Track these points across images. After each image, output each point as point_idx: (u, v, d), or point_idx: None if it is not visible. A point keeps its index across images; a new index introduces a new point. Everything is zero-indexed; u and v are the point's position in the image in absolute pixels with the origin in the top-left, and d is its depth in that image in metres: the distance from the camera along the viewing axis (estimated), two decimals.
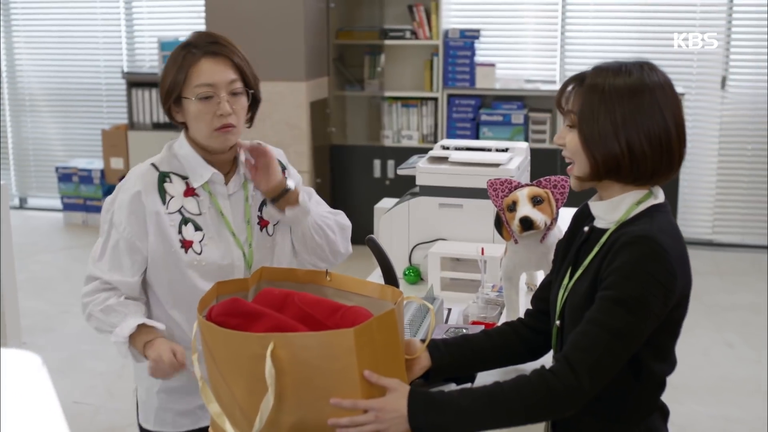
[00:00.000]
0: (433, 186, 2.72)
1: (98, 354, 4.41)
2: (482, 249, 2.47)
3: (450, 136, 6.28)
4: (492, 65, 6.28)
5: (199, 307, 1.59)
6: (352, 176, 6.34)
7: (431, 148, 6.13)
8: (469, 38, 6.26)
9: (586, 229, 1.74)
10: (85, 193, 7.00)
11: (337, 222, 2.13)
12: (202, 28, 6.57)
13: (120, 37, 7.22)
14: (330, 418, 1.50)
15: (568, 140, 1.68)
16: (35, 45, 7.42)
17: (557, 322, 1.75)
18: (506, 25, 6.55)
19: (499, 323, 2.19)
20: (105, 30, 7.25)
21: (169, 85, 1.96)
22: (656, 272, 1.55)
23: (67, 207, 7.08)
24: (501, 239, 2.66)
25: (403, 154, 6.28)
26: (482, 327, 2.09)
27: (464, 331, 2.07)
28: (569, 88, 1.69)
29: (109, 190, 7.00)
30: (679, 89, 5.98)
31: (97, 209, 6.97)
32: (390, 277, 1.97)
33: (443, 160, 2.79)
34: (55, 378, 4.01)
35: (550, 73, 6.47)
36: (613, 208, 1.67)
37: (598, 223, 1.71)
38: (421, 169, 2.73)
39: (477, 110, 6.33)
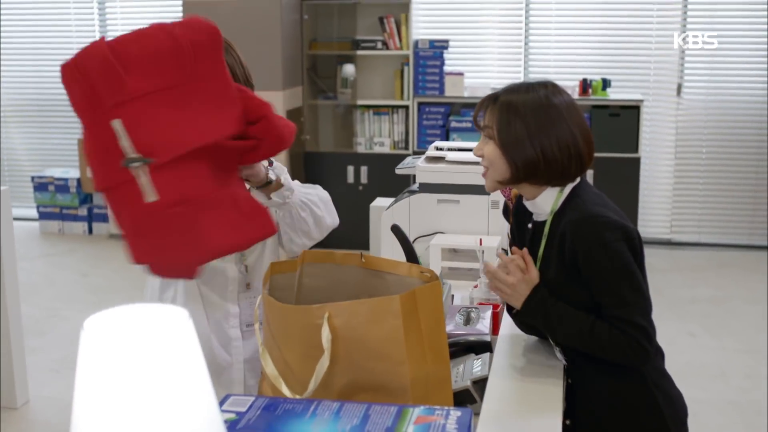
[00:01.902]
0: (432, 183, 2.94)
1: None
2: (480, 240, 2.71)
3: (420, 142, 6.53)
4: (460, 74, 6.54)
5: (263, 282, 1.80)
6: (327, 182, 6.51)
7: (403, 154, 6.35)
8: (438, 48, 6.51)
9: (530, 225, 2.05)
10: (61, 202, 7.09)
11: (319, 196, 2.24)
12: None
13: None
14: (378, 378, 1.70)
15: (485, 150, 1.97)
16: (9, 55, 7.49)
17: None
18: (473, 35, 6.82)
19: (503, 304, 2.44)
20: (79, 40, 7.36)
21: None
22: (614, 235, 1.87)
23: (43, 216, 7.16)
24: (495, 231, 2.91)
25: (376, 161, 6.55)
26: (490, 307, 2.32)
27: (474, 310, 2.29)
28: (485, 107, 1.99)
29: (85, 198, 7.11)
30: (637, 96, 6.30)
31: (74, 218, 7.07)
32: (412, 259, 2.19)
33: (440, 159, 3.02)
34: (53, 378, 4.28)
35: (515, 81, 6.74)
36: (543, 203, 1.99)
37: (537, 218, 2.03)
38: (421, 168, 2.96)
39: (446, 117, 6.58)
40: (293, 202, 2.15)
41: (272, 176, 2.06)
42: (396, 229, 2.10)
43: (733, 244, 6.64)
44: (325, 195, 2.27)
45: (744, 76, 6.50)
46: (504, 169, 1.95)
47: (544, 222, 2.00)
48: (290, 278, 1.96)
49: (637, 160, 6.26)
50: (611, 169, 6.03)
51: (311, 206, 2.20)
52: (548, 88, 1.96)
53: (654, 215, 6.74)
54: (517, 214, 2.14)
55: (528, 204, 2.04)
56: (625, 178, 6.15)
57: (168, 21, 1.85)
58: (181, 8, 6.16)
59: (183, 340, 1.09)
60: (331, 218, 2.26)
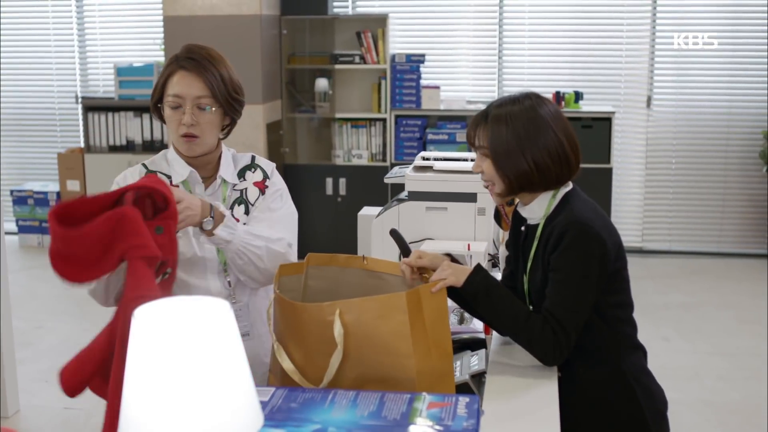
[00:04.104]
0: (421, 191, 3.06)
1: None
2: (468, 245, 2.83)
3: (398, 154, 6.66)
4: (437, 87, 6.68)
5: (275, 285, 1.90)
6: (306, 194, 6.62)
7: (381, 166, 6.44)
8: (414, 62, 6.64)
9: (522, 228, 2.17)
10: (41, 216, 7.12)
11: (267, 248, 2.13)
12: (159, 53, 6.83)
13: (74, 62, 7.40)
14: (386, 372, 1.81)
15: (484, 167, 2.09)
16: None
17: (530, 307, 2.14)
18: (449, 50, 6.98)
19: None
20: (59, 55, 7.42)
21: (156, 88, 2.20)
22: (589, 247, 1.99)
23: (23, 229, 7.18)
24: (482, 236, 3.03)
25: (354, 172, 6.66)
26: None
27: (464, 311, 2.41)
28: (477, 126, 2.09)
29: None
30: (608, 108, 6.48)
31: None
32: None
33: (427, 169, 3.14)
34: (41, 387, 4.37)
35: (489, 94, 6.91)
36: (536, 208, 2.11)
37: (530, 222, 2.15)
38: (410, 177, 3.07)
39: (423, 130, 6.72)
40: (230, 251, 2.10)
41: (205, 226, 2.03)
42: (395, 233, 2.21)
43: (703, 252, 6.83)
44: (278, 250, 2.15)
45: (710, 88, 6.72)
46: (500, 184, 2.08)
47: (536, 226, 2.12)
48: (296, 280, 2.06)
49: (609, 171, 6.43)
50: (584, 179, 6.05)
51: (251, 257, 2.12)
52: (532, 98, 2.08)
53: (626, 224, 6.91)
54: (514, 218, 2.25)
55: (523, 210, 2.15)
56: (597, 188, 6.31)
57: None
58: (161, 25, 6.24)
59: (224, 329, 1.19)
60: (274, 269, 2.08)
